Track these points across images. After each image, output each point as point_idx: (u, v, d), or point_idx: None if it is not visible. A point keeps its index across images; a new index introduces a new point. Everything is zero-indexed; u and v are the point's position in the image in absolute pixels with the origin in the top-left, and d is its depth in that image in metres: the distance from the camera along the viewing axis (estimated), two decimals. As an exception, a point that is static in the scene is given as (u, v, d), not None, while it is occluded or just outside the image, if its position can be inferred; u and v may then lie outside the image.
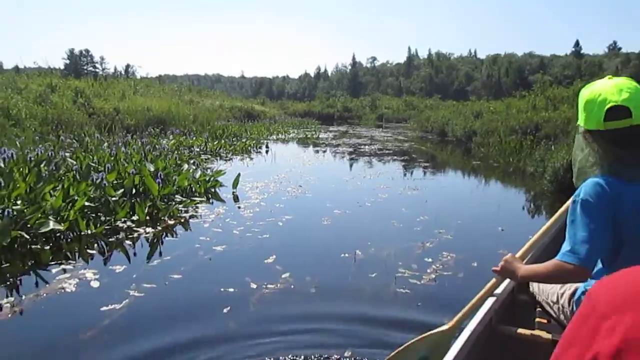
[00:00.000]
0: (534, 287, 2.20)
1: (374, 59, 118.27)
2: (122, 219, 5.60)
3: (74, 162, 7.12)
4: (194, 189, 7.34)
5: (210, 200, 7.31)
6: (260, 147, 15.89)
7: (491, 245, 4.87)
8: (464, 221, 6.08)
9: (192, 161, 9.37)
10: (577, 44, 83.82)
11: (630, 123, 1.54)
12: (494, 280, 2.09)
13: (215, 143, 14.87)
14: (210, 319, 3.21)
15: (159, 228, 5.48)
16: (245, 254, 4.62)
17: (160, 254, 4.63)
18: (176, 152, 11.77)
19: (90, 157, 7.71)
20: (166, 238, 5.16)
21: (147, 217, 5.81)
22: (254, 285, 3.74)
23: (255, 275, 3.91)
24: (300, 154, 14.52)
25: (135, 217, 5.71)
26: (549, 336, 1.91)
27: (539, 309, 2.13)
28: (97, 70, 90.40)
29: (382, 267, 4.27)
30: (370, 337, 3.01)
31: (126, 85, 28.28)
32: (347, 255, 4.55)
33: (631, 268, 0.52)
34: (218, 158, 12.92)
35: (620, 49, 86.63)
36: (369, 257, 4.51)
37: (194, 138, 15.58)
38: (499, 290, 2.11)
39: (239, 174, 8.18)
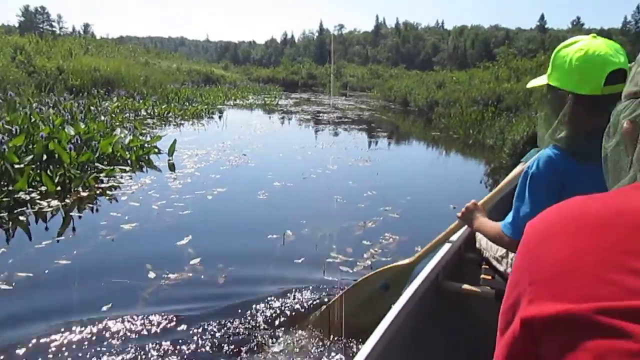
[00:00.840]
0: (482, 243, 2.18)
1: (342, 26, 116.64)
2: (26, 190, 4.88)
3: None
4: (121, 156, 6.61)
5: (144, 169, 6.62)
6: (213, 113, 15.07)
7: (439, 225, 4.31)
8: (414, 197, 5.56)
9: (127, 125, 8.57)
10: (542, 18, 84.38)
11: (623, 88, 1.16)
12: (456, 223, 2.16)
13: (163, 107, 13.97)
14: (79, 321, 2.57)
15: (68, 201, 4.78)
16: (156, 234, 3.99)
17: (60, 233, 3.96)
18: (115, 115, 10.91)
19: (2, 117, 6.84)
20: (72, 213, 4.48)
21: (59, 188, 5.10)
22: (152, 275, 3.13)
23: (159, 262, 3.30)
24: (254, 120, 13.79)
25: (43, 188, 5.00)
26: (492, 292, 1.97)
27: (485, 267, 2.12)
28: (53, 28, 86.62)
29: (313, 251, 3.71)
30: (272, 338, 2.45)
31: (76, 44, 26.73)
32: (275, 236, 3.97)
33: (573, 197, 0.51)
34: (165, 123, 12.10)
35: (583, 24, 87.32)
36: (300, 239, 3.94)
37: (142, 101, 14.64)
38: (445, 249, 2.16)
39: (175, 141, 7.48)
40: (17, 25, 77.29)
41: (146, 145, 7.43)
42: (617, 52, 1.44)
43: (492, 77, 16.53)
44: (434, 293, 2.05)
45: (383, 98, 26.30)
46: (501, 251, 2.02)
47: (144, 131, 9.67)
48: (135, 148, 7.07)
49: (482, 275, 2.08)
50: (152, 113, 13.47)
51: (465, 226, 2.19)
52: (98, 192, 5.17)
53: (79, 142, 5.82)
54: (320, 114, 17.14)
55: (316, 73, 53.91)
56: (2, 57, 16.09)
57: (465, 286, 2.06)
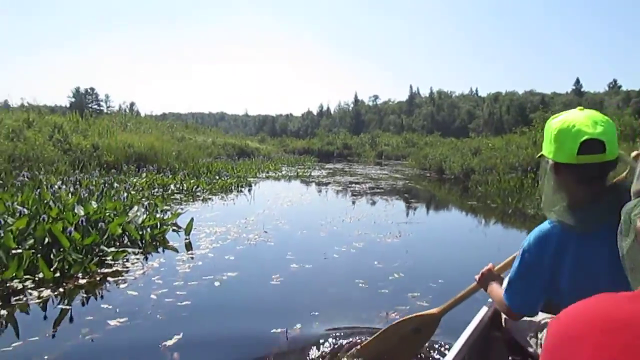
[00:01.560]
0: (508, 322, 2.18)
1: (376, 97, 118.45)
2: (22, 278, 4.51)
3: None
4: (133, 237, 6.24)
5: (159, 249, 6.23)
6: (242, 186, 14.84)
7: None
8: (447, 279, 4.94)
9: (147, 202, 8.30)
10: (577, 82, 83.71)
11: (603, 159, 1.50)
12: (474, 284, 2.25)
13: (192, 182, 13.83)
14: None
15: (62, 290, 4.36)
16: (143, 332, 3.47)
17: (38, 330, 3.50)
18: (141, 191, 10.74)
19: (15, 198, 6.64)
20: (60, 305, 4.03)
21: (57, 275, 4.72)
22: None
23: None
24: (283, 193, 13.44)
25: (41, 275, 4.62)
26: None
27: (511, 348, 2.11)
28: (101, 108, 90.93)
29: (319, 349, 3.13)
30: None
31: (116, 122, 27.53)
32: (279, 330, 3.42)
33: (595, 296, 0.53)
34: (192, 198, 11.86)
35: (620, 87, 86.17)
36: (307, 337, 3.36)
37: (170, 176, 14.58)
38: (470, 330, 2.08)
39: (192, 219, 7.11)
40: (68, 105, 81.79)
41: (162, 223, 7.08)
42: (595, 123, 1.51)
43: (530, 142, 15.95)
44: None
45: (418, 166, 25.84)
46: (529, 331, 1.99)
47: (166, 207, 9.40)
48: (150, 227, 6.73)
49: (511, 358, 2.08)
50: (180, 188, 13.33)
51: (491, 305, 2.32)
52: (98, 278, 4.74)
53: (84, 223, 5.48)
54: (352, 185, 16.73)
55: (351, 143, 54.17)
56: (40, 136, 16.48)
57: None
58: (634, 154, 1.13)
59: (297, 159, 35.26)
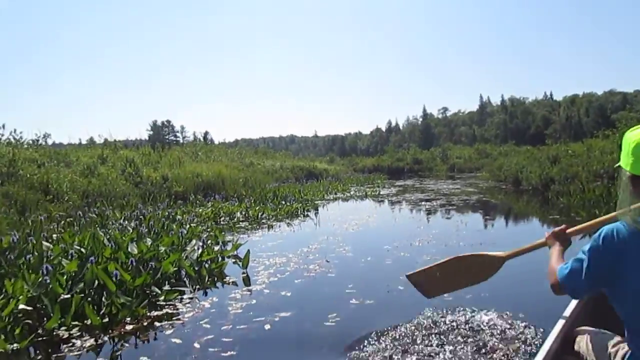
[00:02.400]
0: (581, 347, 2.11)
1: (445, 109, 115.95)
2: (69, 325, 4.33)
3: (49, 247, 6.03)
4: (188, 274, 6.01)
5: (217, 284, 5.97)
6: (308, 210, 14.54)
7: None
8: (529, 315, 4.31)
9: (206, 234, 8.12)
10: (664, 77, 78.02)
11: None
12: (540, 241, 2.34)
13: (257, 208, 13.68)
14: None
15: (106, 338, 4.13)
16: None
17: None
18: (206, 220, 10.65)
19: (74, 238, 6.60)
20: (100, 357, 3.78)
21: (107, 320, 4.51)
22: None
23: None
24: (350, 215, 12.99)
25: (89, 321, 4.43)
26: None
27: None
28: (177, 139, 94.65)
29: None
30: None
31: (188, 151, 28.23)
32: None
33: None
34: (258, 225, 11.66)
35: None
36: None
37: (236, 204, 14.51)
38: (541, 355, 2.05)
39: (249, 252, 6.80)
40: (147, 138, 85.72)
41: (221, 257, 6.83)
42: None
43: (614, 145, 14.68)
44: None
45: (492, 178, 24.68)
46: (606, 357, 1.91)
47: (228, 238, 9.21)
48: (207, 262, 6.50)
49: None
50: (246, 215, 13.20)
51: (561, 327, 2.31)
52: (146, 323, 4.49)
53: (134, 263, 5.28)
54: (423, 202, 16.04)
55: (421, 158, 52.98)
56: (114, 170, 17.02)
57: None
58: None
59: (367, 177, 34.74)
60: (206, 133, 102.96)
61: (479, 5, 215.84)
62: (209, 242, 7.78)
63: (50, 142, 21.50)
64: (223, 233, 9.04)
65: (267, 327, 4.28)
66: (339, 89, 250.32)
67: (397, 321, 4.22)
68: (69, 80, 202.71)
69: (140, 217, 9.75)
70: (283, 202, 15.58)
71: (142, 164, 18.99)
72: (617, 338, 1.94)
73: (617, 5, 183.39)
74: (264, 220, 12.52)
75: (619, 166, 1.72)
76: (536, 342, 3.68)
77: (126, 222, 8.84)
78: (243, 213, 13.41)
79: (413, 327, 4.07)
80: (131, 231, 7.55)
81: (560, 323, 2.39)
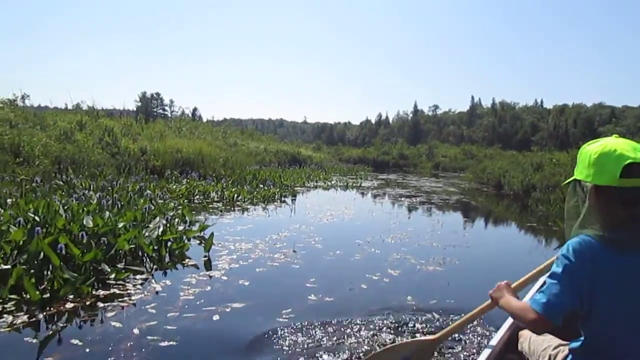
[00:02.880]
0: (524, 347, 2.17)
1: (436, 107, 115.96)
2: (3, 298, 4.02)
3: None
4: (146, 253, 5.72)
5: (177, 266, 5.69)
6: (286, 196, 14.27)
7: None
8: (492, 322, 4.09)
9: (171, 213, 7.82)
10: (653, 94, 78.59)
11: None
12: (487, 302, 2.12)
13: (233, 190, 13.36)
14: None
15: (41, 316, 3.83)
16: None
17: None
18: (171, 199, 10.31)
19: (30, 205, 6.24)
20: (28, 336, 3.49)
21: (48, 295, 4.22)
22: None
23: None
24: (327, 205, 12.75)
25: (28, 296, 4.12)
26: None
27: None
28: (166, 112, 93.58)
29: None
30: None
31: (170, 126, 27.70)
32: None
33: None
34: (232, 208, 11.37)
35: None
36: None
37: (212, 183, 14.18)
38: (486, 354, 2.12)
39: (212, 235, 6.53)
40: (134, 109, 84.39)
41: (184, 237, 6.54)
42: (635, 149, 1.60)
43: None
44: None
45: (475, 180, 24.61)
46: (545, 357, 1.97)
47: (199, 218, 8.92)
48: (169, 242, 6.21)
49: None
50: (221, 196, 12.89)
51: (506, 329, 2.33)
52: (88, 303, 4.20)
53: (85, 237, 4.97)
54: (403, 198, 15.84)
55: (408, 153, 52.98)
56: (91, 138, 16.54)
57: None
58: None
59: (350, 168, 34.52)
60: (195, 109, 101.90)
61: (475, 11, 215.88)
62: (176, 220, 7.49)
63: (32, 104, 20.99)
64: (193, 212, 8.76)
65: (216, 317, 4.01)
66: (332, 78, 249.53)
67: (353, 321, 3.98)
68: (62, 42, 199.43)
69: (109, 188, 9.40)
70: (261, 186, 15.28)
71: (121, 134, 18.51)
72: (559, 341, 1.99)
73: (609, 23, 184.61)
74: (238, 203, 12.23)
75: (575, 181, 1.76)
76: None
77: (92, 192, 8.48)
78: (218, 193, 13.11)
79: (370, 328, 3.84)
80: (94, 202, 7.22)
81: (507, 324, 2.43)
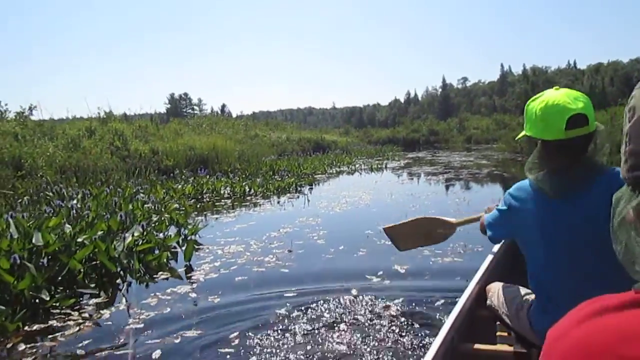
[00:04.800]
0: (493, 301, 2.25)
1: (465, 79, 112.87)
2: None
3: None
4: (109, 269, 4.91)
5: (149, 280, 4.91)
6: (302, 185, 13.38)
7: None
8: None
9: (161, 217, 7.04)
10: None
11: (587, 131, 1.65)
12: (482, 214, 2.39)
13: (243, 184, 12.55)
14: None
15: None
16: None
17: None
18: (176, 200, 9.53)
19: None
20: None
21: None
22: None
23: None
24: (344, 191, 11.79)
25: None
26: (510, 349, 1.99)
27: (499, 323, 2.16)
28: (195, 111, 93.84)
29: None
30: None
31: (190, 124, 27.15)
32: None
33: (579, 333, 0.47)
34: (240, 203, 10.58)
35: None
36: None
37: (224, 179, 13.39)
38: (457, 309, 2.17)
39: (193, 242, 5.72)
40: (164, 111, 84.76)
41: (161, 247, 5.72)
42: (575, 99, 1.68)
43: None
44: (452, 356, 2.01)
45: (509, 150, 23.23)
46: (511, 309, 2.06)
47: (190, 222, 8.15)
48: (142, 254, 5.40)
49: (498, 333, 2.13)
50: (232, 192, 12.10)
51: (474, 284, 2.44)
52: (9, 345, 3.40)
53: (19, 261, 4.17)
54: (428, 177, 14.78)
55: (438, 129, 51.41)
56: (101, 144, 16.01)
57: (482, 346, 2.08)
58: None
59: (378, 149, 33.37)
60: (223, 106, 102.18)
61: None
62: (165, 224, 6.72)
63: (50, 116, 20.62)
64: (195, 213, 8.06)
65: (176, 340, 3.17)
66: (358, 61, 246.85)
67: (351, 336, 3.06)
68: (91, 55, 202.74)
69: (100, 194, 8.67)
70: (276, 177, 14.41)
71: (132, 137, 17.92)
72: (525, 290, 2.07)
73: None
74: (249, 198, 11.41)
75: (527, 135, 1.83)
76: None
77: (75, 202, 7.76)
78: (228, 189, 12.33)
79: (364, 345, 2.91)
80: (62, 213, 6.45)
81: (474, 280, 2.49)
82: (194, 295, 4.36)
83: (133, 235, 5.57)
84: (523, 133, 1.85)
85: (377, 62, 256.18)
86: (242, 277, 4.83)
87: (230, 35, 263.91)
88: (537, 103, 1.74)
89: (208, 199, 11.37)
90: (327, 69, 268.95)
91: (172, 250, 5.86)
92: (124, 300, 4.38)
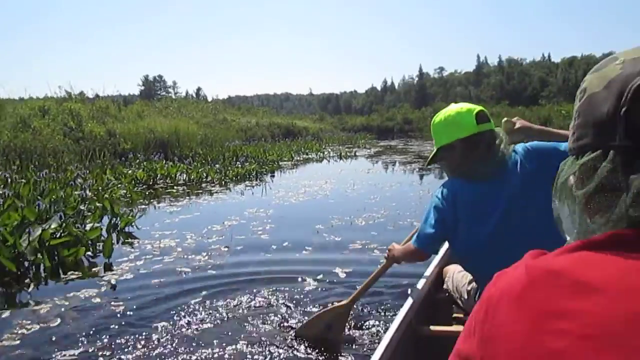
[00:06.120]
0: (448, 285, 2.39)
1: (442, 69, 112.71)
2: None
3: None
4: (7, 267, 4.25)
5: (56, 280, 4.29)
6: (265, 173, 12.74)
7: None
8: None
9: (92, 206, 6.37)
10: (666, 39, 75.10)
11: (492, 127, 1.89)
12: (382, 264, 2.52)
13: (200, 170, 11.86)
14: None
15: None
16: None
17: None
18: (123, 185, 8.81)
19: None
20: None
21: None
22: None
23: None
24: (305, 180, 11.21)
25: None
26: None
27: (454, 306, 2.30)
28: (169, 94, 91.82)
29: None
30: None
31: (156, 106, 26.20)
32: None
33: (519, 272, 0.54)
34: (193, 191, 9.92)
35: None
36: None
37: (180, 164, 12.66)
38: (416, 293, 2.31)
39: (110, 238, 5.06)
40: (138, 93, 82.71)
41: (78, 240, 5.05)
42: (472, 106, 1.94)
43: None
44: (409, 338, 2.06)
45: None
46: (464, 293, 2.21)
47: (143, 207, 7.50)
48: (56, 249, 4.75)
49: (454, 314, 2.26)
50: (187, 178, 11.43)
51: (432, 269, 2.59)
52: None
53: None
54: (396, 166, 14.30)
55: (412, 118, 51.13)
56: (55, 124, 15.08)
57: (439, 328, 2.14)
58: (504, 120, 2.09)
59: (350, 137, 32.83)
60: (199, 89, 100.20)
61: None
62: (93, 215, 6.05)
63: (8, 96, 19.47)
64: (140, 201, 7.41)
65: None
66: (336, 47, 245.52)
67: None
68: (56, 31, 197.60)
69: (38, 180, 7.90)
70: (238, 164, 13.74)
71: (88, 118, 16.96)
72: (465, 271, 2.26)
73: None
74: (205, 185, 10.75)
75: (442, 146, 1.97)
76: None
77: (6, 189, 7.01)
78: (184, 176, 11.64)
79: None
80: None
81: (434, 263, 2.65)
82: (97, 300, 3.72)
83: (49, 227, 4.89)
84: (434, 151, 2.01)
85: (354, 49, 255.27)
86: (161, 279, 4.21)
87: (208, 19, 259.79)
88: (443, 114, 1.96)
89: (162, 186, 10.69)
90: (304, 54, 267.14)
91: (102, 243, 5.22)
92: (20, 302, 3.74)
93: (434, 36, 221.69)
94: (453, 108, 1.95)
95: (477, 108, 1.89)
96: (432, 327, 2.15)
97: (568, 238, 0.58)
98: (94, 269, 4.66)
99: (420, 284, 2.40)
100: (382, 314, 3.36)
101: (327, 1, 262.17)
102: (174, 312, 3.47)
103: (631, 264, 0.47)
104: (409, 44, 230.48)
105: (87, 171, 10.49)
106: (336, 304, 2.68)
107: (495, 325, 0.51)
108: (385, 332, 2.07)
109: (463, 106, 1.92)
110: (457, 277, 2.31)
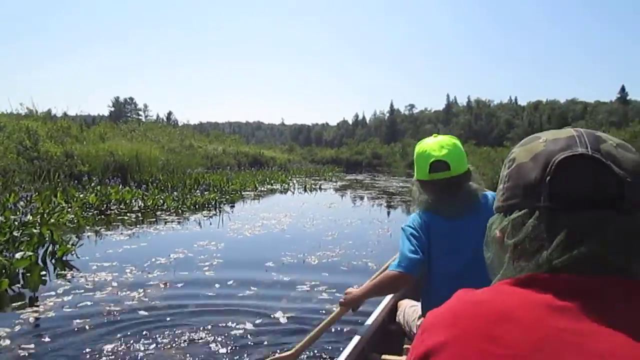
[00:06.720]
0: (400, 318, 2.40)
1: (412, 106, 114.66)
2: None
3: None
4: None
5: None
6: (224, 202, 12.40)
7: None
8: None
9: (29, 232, 5.96)
10: (622, 89, 77.94)
11: (449, 175, 1.94)
12: (336, 311, 2.34)
13: (156, 197, 11.47)
14: None
15: None
16: None
17: None
18: (70, 211, 8.37)
19: None
20: None
21: None
22: None
23: None
24: (265, 212, 10.92)
25: None
26: None
27: (406, 337, 2.34)
28: (140, 117, 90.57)
29: None
30: None
31: (121, 129, 25.63)
32: None
33: (450, 304, 0.63)
34: (146, 218, 9.53)
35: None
36: None
37: (135, 190, 12.22)
38: (370, 321, 2.39)
39: (39, 268, 4.70)
40: (107, 114, 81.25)
41: (13, 268, 4.66)
42: (441, 147, 1.97)
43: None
44: None
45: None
46: (415, 326, 2.20)
47: (90, 234, 7.09)
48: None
49: (405, 345, 2.31)
50: (142, 205, 11.02)
51: (388, 300, 2.69)
52: None
53: None
54: (360, 202, 14.13)
55: (381, 152, 51.51)
56: (8, 142, 14.50)
57: (390, 357, 2.19)
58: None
59: (318, 169, 32.73)
60: (169, 113, 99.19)
61: (451, 10, 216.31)
62: (30, 242, 5.64)
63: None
64: (87, 227, 6.94)
65: None
66: (309, 79, 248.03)
67: None
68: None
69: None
70: (198, 192, 13.37)
71: (46, 137, 16.40)
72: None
73: (583, 19, 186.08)
74: (160, 213, 10.36)
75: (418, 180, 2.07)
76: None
77: None
78: (140, 202, 11.22)
79: None
80: None
81: (388, 297, 2.70)
82: (6, 343, 3.35)
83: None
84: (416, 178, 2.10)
85: (327, 83, 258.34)
86: (86, 319, 3.85)
87: (183, 45, 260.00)
88: (417, 149, 2.06)
89: (115, 212, 10.26)
90: (278, 84, 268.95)
91: (41, 273, 4.84)
92: None
93: (406, 74, 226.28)
94: (423, 146, 2.02)
95: (438, 155, 1.93)
96: (384, 356, 2.21)
97: (493, 280, 0.67)
98: (16, 303, 4.28)
99: (375, 313, 2.46)
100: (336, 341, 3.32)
101: (303, 31, 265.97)
102: (89, 358, 3.13)
103: (541, 298, 0.57)
104: (381, 79, 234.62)
105: (37, 193, 9.99)
106: (278, 355, 2.43)
107: (429, 347, 0.58)
108: (337, 357, 2.08)
109: (427, 149, 1.98)
110: (409, 311, 2.35)
